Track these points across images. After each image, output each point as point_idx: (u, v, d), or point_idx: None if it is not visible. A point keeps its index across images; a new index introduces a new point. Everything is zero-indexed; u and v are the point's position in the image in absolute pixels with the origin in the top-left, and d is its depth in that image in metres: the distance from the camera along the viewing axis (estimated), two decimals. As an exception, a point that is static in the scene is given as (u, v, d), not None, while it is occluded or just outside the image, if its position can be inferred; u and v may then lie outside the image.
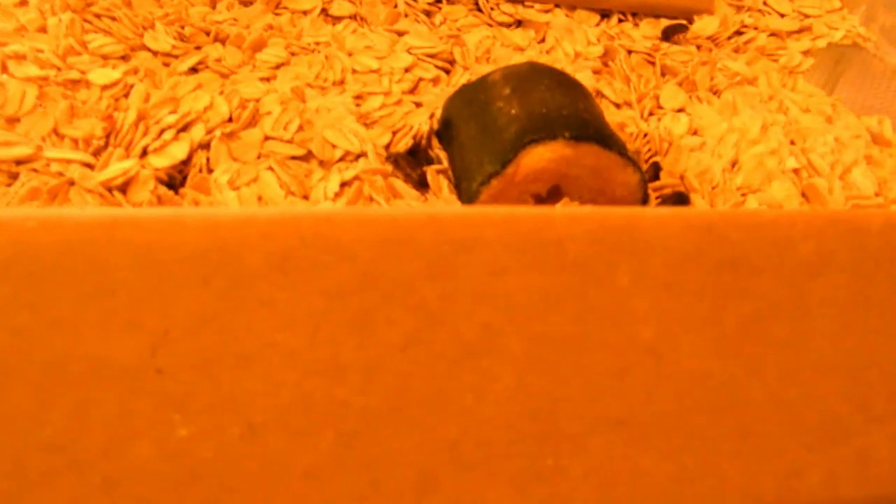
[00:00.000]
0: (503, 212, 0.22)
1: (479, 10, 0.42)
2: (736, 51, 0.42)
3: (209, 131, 0.31)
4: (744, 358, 0.22)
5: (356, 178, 0.30)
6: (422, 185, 0.31)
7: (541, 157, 0.29)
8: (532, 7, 0.42)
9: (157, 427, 0.20)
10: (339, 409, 0.20)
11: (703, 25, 0.43)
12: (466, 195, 0.29)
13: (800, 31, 0.44)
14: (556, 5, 0.43)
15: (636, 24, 0.43)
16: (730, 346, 0.22)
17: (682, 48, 0.41)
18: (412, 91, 0.35)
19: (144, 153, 0.30)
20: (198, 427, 0.20)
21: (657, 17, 0.44)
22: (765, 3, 0.45)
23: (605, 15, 0.43)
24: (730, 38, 0.43)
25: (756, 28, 0.43)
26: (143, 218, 0.21)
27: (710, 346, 0.22)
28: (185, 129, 0.31)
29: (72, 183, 0.29)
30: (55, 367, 0.20)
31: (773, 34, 0.43)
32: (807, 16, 0.45)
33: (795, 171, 0.34)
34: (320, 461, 0.20)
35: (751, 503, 0.22)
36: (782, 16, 0.45)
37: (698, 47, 0.41)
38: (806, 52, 0.43)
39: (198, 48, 0.36)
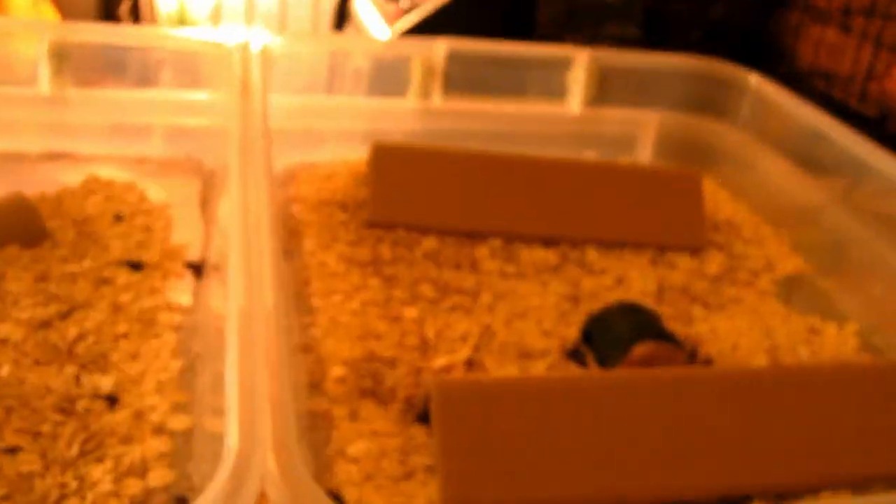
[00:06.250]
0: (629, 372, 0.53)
1: (582, 265, 0.73)
2: (731, 283, 0.74)
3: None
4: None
5: (549, 365, 0.60)
6: (584, 366, 0.61)
7: (640, 349, 0.59)
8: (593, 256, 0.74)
9: None
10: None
11: (709, 266, 0.75)
12: (605, 370, 0.60)
13: (766, 268, 0.76)
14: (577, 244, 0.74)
15: (673, 269, 0.74)
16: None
17: (698, 284, 0.72)
18: (562, 317, 0.66)
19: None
20: None
21: (661, 249, 0.76)
22: (745, 253, 0.77)
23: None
24: (726, 274, 0.75)
25: (741, 268, 0.75)
26: None
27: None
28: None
29: None
30: None
31: (751, 271, 0.75)
32: (770, 258, 0.77)
33: (768, 349, 0.65)
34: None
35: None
36: (756, 259, 0.77)
37: (709, 282, 0.73)
38: (772, 281, 0.74)
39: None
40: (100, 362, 0.55)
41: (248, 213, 0.52)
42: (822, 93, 1.10)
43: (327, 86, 0.91)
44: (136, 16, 1.37)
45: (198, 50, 0.82)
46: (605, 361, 0.60)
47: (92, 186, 0.75)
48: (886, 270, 0.74)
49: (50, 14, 1.17)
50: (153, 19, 1.35)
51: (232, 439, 0.35)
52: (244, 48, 0.77)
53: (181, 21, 1.34)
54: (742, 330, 0.67)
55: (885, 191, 0.77)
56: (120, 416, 0.51)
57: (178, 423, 0.51)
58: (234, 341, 0.42)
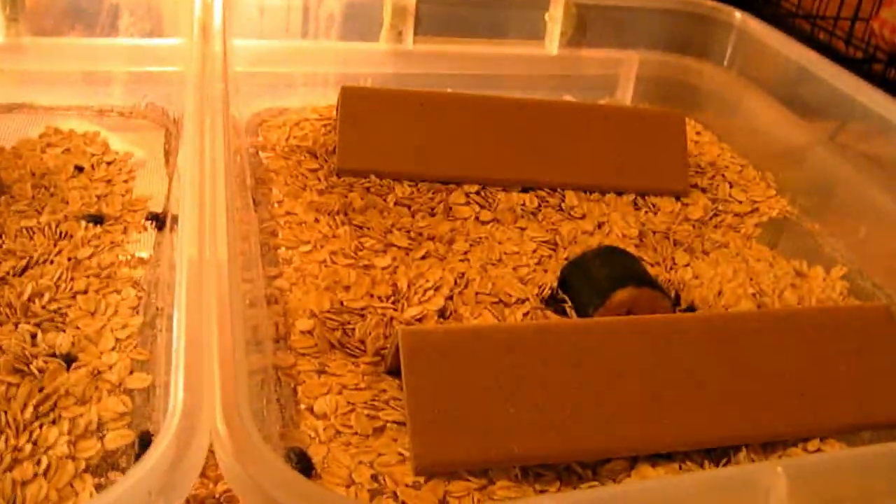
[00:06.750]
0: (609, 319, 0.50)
1: (561, 210, 0.71)
2: (715, 227, 0.71)
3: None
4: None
5: (525, 313, 0.58)
6: (562, 314, 0.59)
7: (621, 294, 0.57)
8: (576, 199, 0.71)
9: None
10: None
11: (694, 211, 0.72)
12: (584, 317, 0.58)
13: (751, 211, 0.74)
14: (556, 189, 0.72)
15: (655, 213, 0.72)
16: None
17: (681, 228, 0.70)
18: (539, 263, 0.64)
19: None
20: None
21: (642, 195, 0.73)
22: (729, 196, 0.75)
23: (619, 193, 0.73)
24: (710, 218, 0.72)
25: (725, 211, 0.73)
26: None
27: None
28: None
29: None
30: None
31: (735, 215, 0.73)
32: (755, 201, 0.75)
33: (753, 294, 0.63)
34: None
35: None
36: (740, 202, 0.75)
37: (693, 226, 0.71)
38: (757, 225, 0.72)
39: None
40: (56, 320, 0.52)
41: (204, 161, 0.50)
42: (807, 35, 1.07)
43: (302, 31, 0.88)
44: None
45: (160, -6, 0.79)
46: (584, 308, 0.58)
47: (51, 138, 0.72)
48: (874, 212, 0.72)
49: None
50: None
51: (177, 399, 0.33)
52: (206, -9, 0.73)
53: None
54: (727, 275, 0.65)
55: (872, 131, 0.75)
56: (76, 376, 0.48)
57: (138, 381, 0.49)
58: (181, 295, 0.39)
